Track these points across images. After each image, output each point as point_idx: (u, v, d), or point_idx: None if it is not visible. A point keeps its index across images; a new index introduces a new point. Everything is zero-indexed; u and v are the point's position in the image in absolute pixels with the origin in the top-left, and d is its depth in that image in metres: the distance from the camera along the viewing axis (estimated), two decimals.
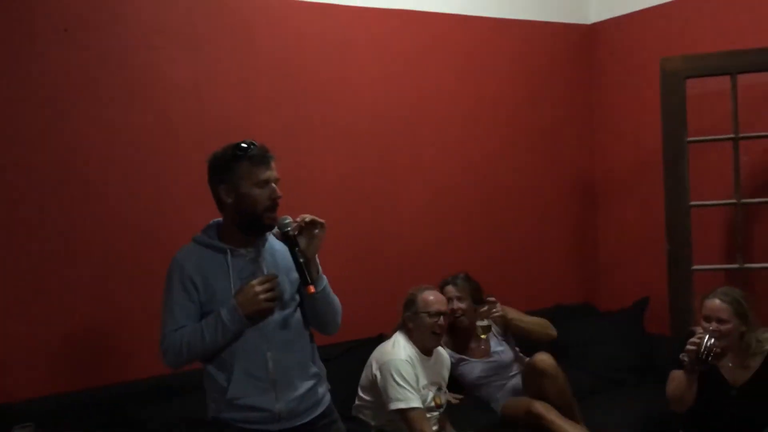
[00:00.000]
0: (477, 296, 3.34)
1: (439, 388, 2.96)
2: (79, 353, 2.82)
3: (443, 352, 3.08)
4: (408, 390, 2.73)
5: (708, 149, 3.44)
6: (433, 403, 2.89)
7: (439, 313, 2.89)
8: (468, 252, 3.90)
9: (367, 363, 2.92)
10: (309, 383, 2.14)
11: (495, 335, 3.38)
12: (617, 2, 4.20)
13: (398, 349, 2.82)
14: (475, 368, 3.30)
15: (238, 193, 2.05)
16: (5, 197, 2.71)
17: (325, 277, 2.15)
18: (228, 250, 2.08)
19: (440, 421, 2.94)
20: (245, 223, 2.08)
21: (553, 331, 3.35)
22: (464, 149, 3.95)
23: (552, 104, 4.26)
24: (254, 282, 2.03)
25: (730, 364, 2.83)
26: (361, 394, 2.94)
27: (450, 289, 3.30)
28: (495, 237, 4.05)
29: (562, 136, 4.31)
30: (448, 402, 3.07)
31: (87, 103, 2.87)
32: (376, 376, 2.80)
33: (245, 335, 2.04)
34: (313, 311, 2.17)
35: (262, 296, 2.01)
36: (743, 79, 3.27)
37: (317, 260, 2.12)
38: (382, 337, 3.17)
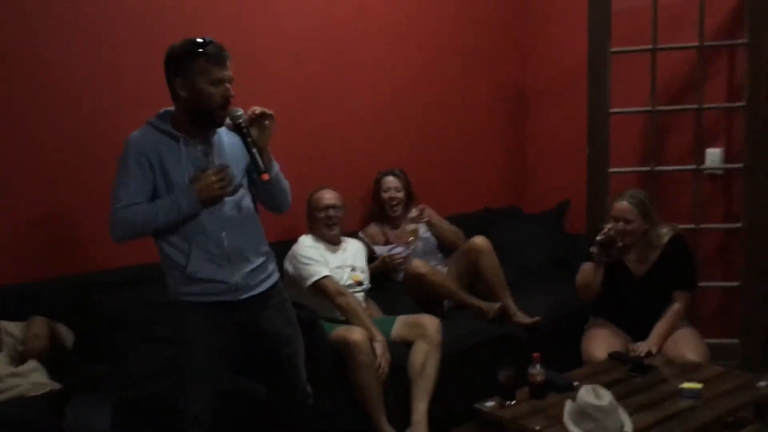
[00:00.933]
0: (410, 190, 3.69)
1: (353, 269, 3.25)
2: (43, 244, 2.89)
3: (354, 241, 3.40)
4: (313, 264, 3.09)
5: (629, 60, 3.66)
6: (351, 281, 3.21)
7: (327, 207, 3.25)
8: (405, 154, 4.06)
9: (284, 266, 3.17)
10: (261, 259, 2.31)
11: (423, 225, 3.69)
12: None
13: (300, 242, 3.19)
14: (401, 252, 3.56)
15: (193, 88, 2.13)
16: None
17: (276, 162, 2.29)
18: (181, 139, 2.18)
19: (366, 301, 3.26)
20: (198, 117, 2.17)
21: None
22: (405, 53, 4.05)
23: (485, 14, 4.39)
24: (210, 171, 2.16)
25: (634, 258, 3.14)
26: None
27: (391, 179, 3.64)
28: (430, 141, 4.22)
29: (494, 45, 4.46)
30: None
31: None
32: (287, 269, 3.13)
33: (201, 218, 2.17)
34: (266, 195, 2.33)
35: (217, 185, 2.15)
36: None
37: (268, 148, 2.25)
38: None
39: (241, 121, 2.17)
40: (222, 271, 2.21)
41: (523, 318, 3.38)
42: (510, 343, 3.32)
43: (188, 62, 2.11)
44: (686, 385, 2.58)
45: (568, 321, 3.46)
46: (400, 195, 3.64)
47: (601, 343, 3.08)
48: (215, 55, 2.12)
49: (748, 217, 3.51)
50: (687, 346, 2.99)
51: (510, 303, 3.43)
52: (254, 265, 2.29)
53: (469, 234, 4.15)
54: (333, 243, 3.28)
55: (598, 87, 3.59)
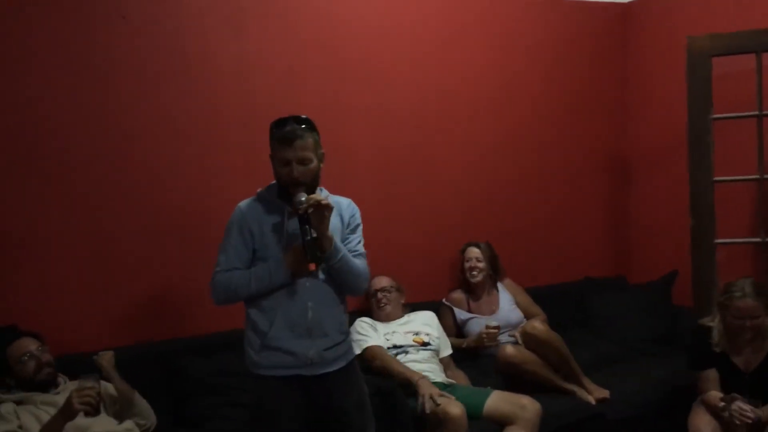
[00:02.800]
0: (495, 263, 3.76)
1: (417, 333, 3.31)
2: (138, 314, 3.11)
3: (423, 313, 3.49)
4: (362, 337, 3.19)
5: (733, 126, 3.50)
6: (413, 342, 3.26)
7: (376, 291, 3.43)
8: (499, 222, 4.06)
9: None
10: (340, 337, 2.33)
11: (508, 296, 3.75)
12: None
13: (358, 320, 3.34)
14: (481, 324, 3.54)
15: (273, 166, 2.28)
16: (65, 179, 2.94)
17: (341, 248, 2.29)
18: (285, 210, 2.27)
19: (444, 364, 3.30)
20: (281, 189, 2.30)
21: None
22: (498, 125, 4.08)
23: (586, 81, 4.36)
24: (299, 246, 2.21)
25: (743, 351, 2.93)
26: None
27: (473, 249, 3.73)
28: (527, 210, 4.19)
29: (595, 112, 4.40)
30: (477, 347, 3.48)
31: (140, 87, 3.09)
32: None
33: (292, 287, 2.24)
34: (337, 279, 2.33)
35: (305, 260, 2.21)
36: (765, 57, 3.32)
37: (330, 235, 2.25)
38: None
39: (299, 207, 2.19)
40: (300, 343, 2.24)
41: (596, 395, 3.26)
42: (597, 424, 3.17)
43: (271, 140, 2.27)
44: None
45: (672, 399, 3.26)
46: (481, 265, 3.69)
47: (710, 423, 2.89)
48: (282, 135, 2.22)
49: None
50: None
51: (586, 383, 3.31)
52: (333, 342, 2.30)
53: (566, 305, 4.08)
54: (387, 320, 3.39)
55: (699, 154, 3.45)
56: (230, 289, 2.26)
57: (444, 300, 3.72)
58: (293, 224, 2.24)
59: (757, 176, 3.40)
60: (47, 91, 2.90)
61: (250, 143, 3.18)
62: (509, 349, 3.27)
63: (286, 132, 2.22)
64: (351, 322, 3.27)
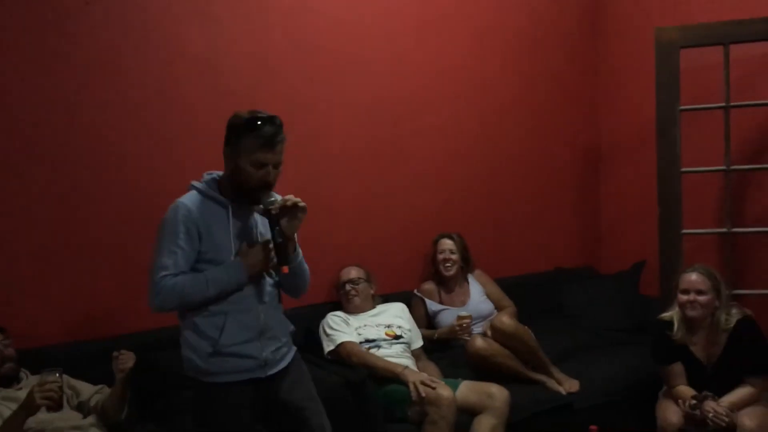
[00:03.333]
0: (466, 255, 3.76)
1: (389, 326, 3.30)
2: (105, 307, 3.05)
3: (395, 305, 3.47)
4: (334, 333, 3.17)
5: (701, 118, 3.54)
6: (385, 335, 3.25)
7: (344, 283, 3.38)
8: (471, 213, 4.07)
9: None
10: (286, 338, 2.32)
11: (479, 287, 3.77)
12: None
13: (328, 315, 3.30)
14: (452, 315, 3.56)
15: (236, 163, 2.13)
16: (28, 171, 2.86)
17: (300, 251, 2.27)
18: (229, 206, 2.18)
19: (415, 356, 3.29)
20: (237, 191, 2.18)
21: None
22: (471, 117, 4.07)
23: (558, 73, 4.38)
24: (258, 247, 2.17)
25: (701, 344, 2.98)
26: None
27: (446, 241, 3.73)
28: (498, 201, 4.21)
29: (566, 103, 4.42)
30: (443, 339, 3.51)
31: (107, 76, 3.02)
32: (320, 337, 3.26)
33: (244, 290, 2.17)
34: (286, 281, 2.31)
35: (264, 261, 2.17)
36: (736, 49, 3.36)
37: (295, 237, 2.22)
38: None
39: (271, 208, 2.13)
40: (252, 346, 2.19)
41: (566, 387, 3.29)
42: (566, 412, 3.20)
43: (239, 135, 2.12)
44: None
45: (639, 387, 3.30)
46: (454, 257, 3.70)
47: (675, 409, 2.94)
48: (266, 137, 2.10)
49: None
50: (748, 417, 2.81)
51: (555, 373, 3.34)
52: (281, 344, 2.28)
53: (537, 295, 4.11)
54: (357, 312, 3.37)
55: (667, 145, 3.48)
56: (183, 296, 2.09)
57: (416, 291, 3.72)
58: (237, 222, 2.18)
59: (724, 167, 3.44)
60: (8, 79, 2.81)
61: (220, 133, 3.12)
62: (479, 342, 3.29)
63: (269, 134, 2.10)
64: (322, 316, 3.29)
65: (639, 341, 3.67)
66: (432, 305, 3.67)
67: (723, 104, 3.39)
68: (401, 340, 3.29)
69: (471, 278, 3.79)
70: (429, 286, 3.74)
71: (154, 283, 2.11)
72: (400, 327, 3.34)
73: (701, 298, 2.93)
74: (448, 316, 3.60)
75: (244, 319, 2.17)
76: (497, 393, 2.99)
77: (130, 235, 3.05)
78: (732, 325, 2.93)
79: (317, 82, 3.53)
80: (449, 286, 3.72)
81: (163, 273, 2.10)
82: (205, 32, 3.23)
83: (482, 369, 3.27)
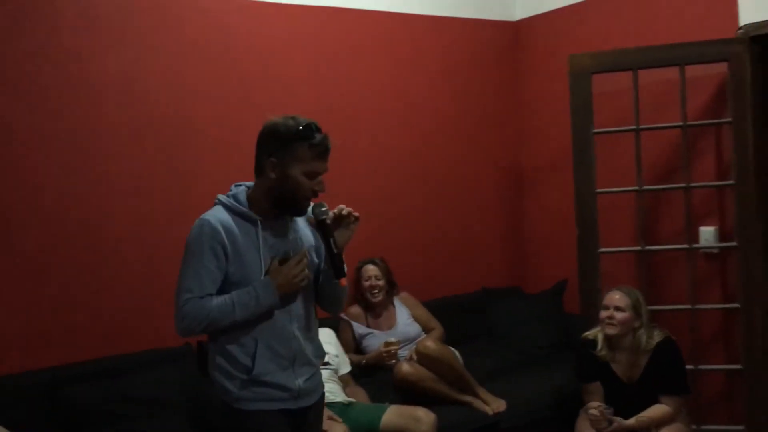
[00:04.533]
0: (390, 279, 3.78)
1: None
2: (18, 338, 2.93)
3: (322, 330, 3.32)
4: None
5: (615, 141, 3.67)
6: None
7: None
8: (398, 238, 4.10)
9: None
10: (318, 362, 2.17)
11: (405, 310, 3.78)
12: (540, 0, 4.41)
13: None
14: (379, 339, 3.57)
15: (286, 174, 2.00)
16: None
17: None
18: (259, 222, 2.04)
19: (343, 381, 3.30)
20: (281, 202, 2.04)
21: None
22: (396, 141, 4.13)
23: (482, 97, 4.47)
24: (291, 263, 2.02)
25: (624, 363, 3.08)
26: None
27: (370, 267, 3.73)
28: (424, 223, 4.25)
29: (490, 127, 4.52)
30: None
31: (20, 103, 2.96)
32: None
33: (277, 312, 2.03)
34: (330, 295, 2.19)
35: (297, 278, 2.02)
36: (644, 74, 3.51)
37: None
38: None
39: (325, 218, 2.03)
40: (285, 375, 2.06)
41: (493, 407, 3.33)
42: None
43: (290, 145, 1.99)
44: None
45: (564, 404, 3.36)
46: (381, 283, 3.71)
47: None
48: (323, 147, 2.01)
49: (744, 297, 3.41)
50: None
51: (482, 394, 3.37)
52: (314, 370, 2.14)
53: (465, 316, 4.15)
54: None
55: (583, 168, 3.60)
56: (209, 320, 1.96)
57: (342, 315, 3.70)
58: (269, 239, 2.03)
59: (636, 188, 3.57)
60: None
61: (139, 150, 3.09)
62: (405, 367, 3.30)
63: (325, 143, 2.01)
64: None
65: (564, 359, 3.75)
66: (359, 328, 3.67)
67: (634, 127, 3.53)
68: (329, 366, 3.27)
69: (397, 301, 3.80)
70: (355, 309, 3.74)
71: (178, 307, 1.99)
72: (327, 353, 3.31)
73: (618, 315, 3.03)
74: (375, 340, 3.61)
75: (275, 344, 2.04)
76: (424, 417, 3.00)
77: (43, 267, 2.96)
78: (652, 347, 3.03)
79: (241, 104, 3.54)
80: (376, 310, 3.73)
81: (188, 296, 1.97)
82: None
83: (410, 393, 3.28)
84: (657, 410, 2.98)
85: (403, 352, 3.52)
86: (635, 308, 3.04)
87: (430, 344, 3.37)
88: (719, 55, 3.39)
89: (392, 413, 3.04)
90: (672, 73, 3.47)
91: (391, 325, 3.70)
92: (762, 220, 3.39)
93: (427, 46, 4.24)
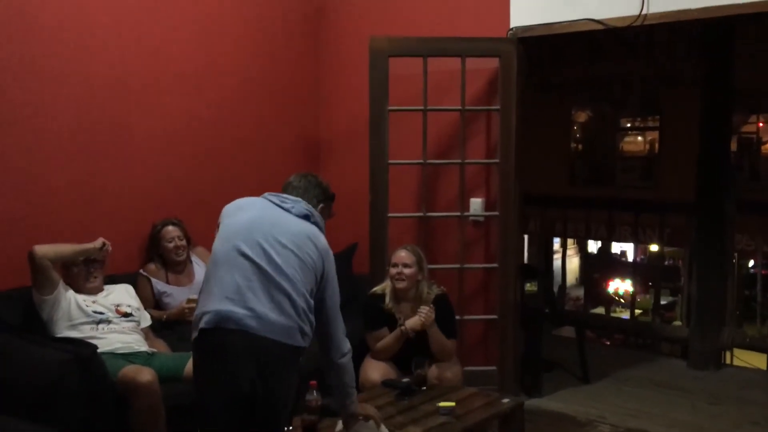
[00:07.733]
0: (188, 235, 3.88)
1: (119, 305, 3.37)
2: None
3: (119, 286, 3.51)
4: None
5: (406, 118, 4.11)
6: (116, 314, 3.32)
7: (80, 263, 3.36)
8: (195, 197, 4.16)
9: None
10: None
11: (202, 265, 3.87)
12: None
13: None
14: (180, 296, 3.72)
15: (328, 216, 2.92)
16: None
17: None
18: None
19: (144, 332, 3.40)
20: None
21: None
22: (200, 103, 4.18)
23: (283, 68, 4.67)
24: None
25: (407, 311, 3.54)
26: None
27: (172, 228, 3.81)
28: (223, 186, 4.29)
29: (292, 99, 4.75)
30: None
31: None
32: None
33: None
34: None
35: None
36: (434, 62, 3.97)
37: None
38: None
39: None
40: None
41: None
42: None
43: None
44: (442, 403, 2.95)
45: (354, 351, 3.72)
46: (183, 243, 3.82)
47: (377, 369, 3.46)
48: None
49: (502, 258, 4.06)
50: (448, 371, 3.44)
51: None
52: None
53: None
54: (94, 293, 3.36)
55: (377, 140, 4.00)
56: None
57: (141, 271, 3.76)
58: None
59: (421, 161, 4.06)
60: None
61: None
62: None
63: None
64: None
65: (350, 313, 4.13)
66: (158, 285, 3.74)
67: (422, 107, 4.00)
68: (131, 318, 3.34)
69: (194, 257, 3.92)
70: (154, 266, 3.80)
71: (349, 352, 2.83)
72: (129, 305, 3.40)
73: (407, 271, 3.49)
74: (174, 298, 3.71)
75: None
76: None
77: None
78: (432, 299, 3.52)
79: (38, 55, 3.40)
80: (177, 268, 3.81)
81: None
82: None
83: None
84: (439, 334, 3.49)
85: None
86: (419, 264, 3.52)
87: None
88: (493, 51, 3.97)
89: None
90: (455, 63, 3.98)
91: (190, 280, 3.82)
92: (517, 193, 4.05)
93: (231, 9, 4.33)
